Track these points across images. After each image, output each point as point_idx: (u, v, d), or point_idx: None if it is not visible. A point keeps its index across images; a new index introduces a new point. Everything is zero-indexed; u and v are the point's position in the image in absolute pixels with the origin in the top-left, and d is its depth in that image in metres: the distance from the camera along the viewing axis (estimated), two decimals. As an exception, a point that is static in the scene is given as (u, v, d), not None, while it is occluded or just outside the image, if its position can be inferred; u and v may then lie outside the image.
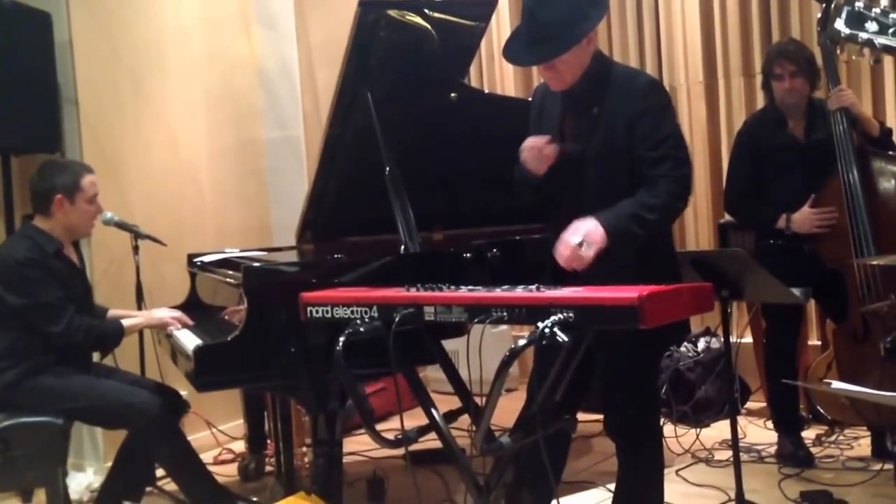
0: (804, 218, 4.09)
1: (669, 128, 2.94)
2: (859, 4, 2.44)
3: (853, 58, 2.78)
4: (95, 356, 4.11)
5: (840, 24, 2.46)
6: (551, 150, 2.95)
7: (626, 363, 2.92)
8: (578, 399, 3.03)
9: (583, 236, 2.74)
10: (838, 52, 3.92)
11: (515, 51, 3.00)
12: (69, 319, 3.70)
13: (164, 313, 4.05)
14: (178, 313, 4.05)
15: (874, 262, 3.78)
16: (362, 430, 4.61)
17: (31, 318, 3.70)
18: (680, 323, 2.83)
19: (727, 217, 4.79)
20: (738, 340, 4.92)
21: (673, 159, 2.88)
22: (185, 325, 3.96)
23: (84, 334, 3.73)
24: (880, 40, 2.42)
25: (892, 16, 2.40)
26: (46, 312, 3.69)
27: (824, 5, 3.89)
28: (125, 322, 3.92)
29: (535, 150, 2.97)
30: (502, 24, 6.41)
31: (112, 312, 4.14)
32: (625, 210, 2.81)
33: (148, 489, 4.24)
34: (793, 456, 4.32)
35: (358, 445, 4.89)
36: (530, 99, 3.39)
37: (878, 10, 2.42)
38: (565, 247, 2.76)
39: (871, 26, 2.42)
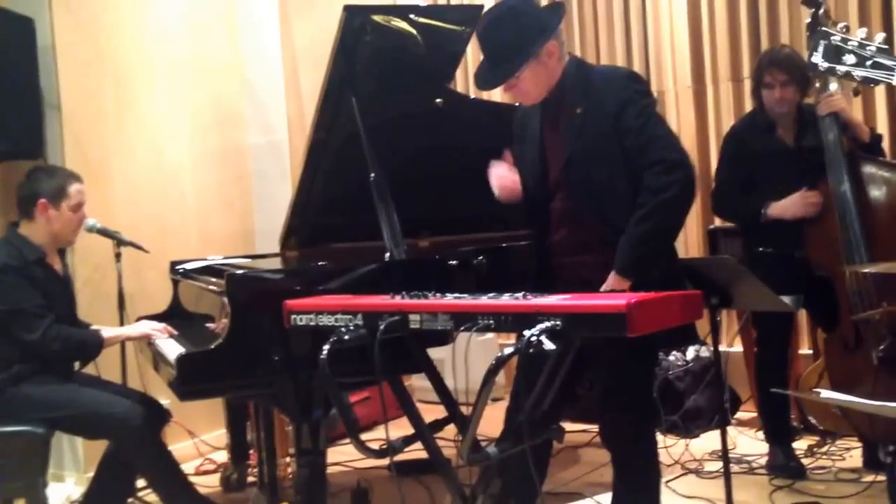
0: (791, 202, 4.05)
1: (650, 118, 2.92)
2: (836, 38, 2.43)
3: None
4: (77, 365, 4.06)
5: (818, 58, 2.46)
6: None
7: (621, 371, 2.89)
8: (562, 407, 3.00)
9: None
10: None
11: (479, 75, 3.04)
12: (46, 328, 3.66)
13: (147, 327, 4.00)
14: (161, 325, 4.01)
15: (866, 270, 3.74)
16: (347, 440, 4.57)
17: (7, 325, 3.66)
18: (673, 329, 2.81)
19: (717, 223, 4.75)
20: (728, 349, 4.89)
21: (659, 150, 2.86)
22: (169, 335, 3.92)
23: (61, 343, 3.69)
24: (858, 73, 2.41)
25: (868, 48, 2.40)
26: (21, 320, 3.65)
27: (813, 10, 3.86)
28: (105, 333, 3.88)
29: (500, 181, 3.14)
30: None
31: (95, 329, 4.09)
32: (625, 245, 2.86)
33: (129, 500, 4.19)
34: (784, 467, 4.28)
35: (342, 455, 4.84)
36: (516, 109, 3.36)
37: (854, 43, 2.42)
38: None
39: (849, 59, 2.42)
